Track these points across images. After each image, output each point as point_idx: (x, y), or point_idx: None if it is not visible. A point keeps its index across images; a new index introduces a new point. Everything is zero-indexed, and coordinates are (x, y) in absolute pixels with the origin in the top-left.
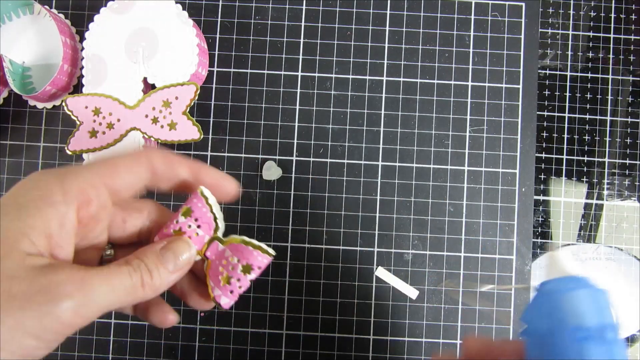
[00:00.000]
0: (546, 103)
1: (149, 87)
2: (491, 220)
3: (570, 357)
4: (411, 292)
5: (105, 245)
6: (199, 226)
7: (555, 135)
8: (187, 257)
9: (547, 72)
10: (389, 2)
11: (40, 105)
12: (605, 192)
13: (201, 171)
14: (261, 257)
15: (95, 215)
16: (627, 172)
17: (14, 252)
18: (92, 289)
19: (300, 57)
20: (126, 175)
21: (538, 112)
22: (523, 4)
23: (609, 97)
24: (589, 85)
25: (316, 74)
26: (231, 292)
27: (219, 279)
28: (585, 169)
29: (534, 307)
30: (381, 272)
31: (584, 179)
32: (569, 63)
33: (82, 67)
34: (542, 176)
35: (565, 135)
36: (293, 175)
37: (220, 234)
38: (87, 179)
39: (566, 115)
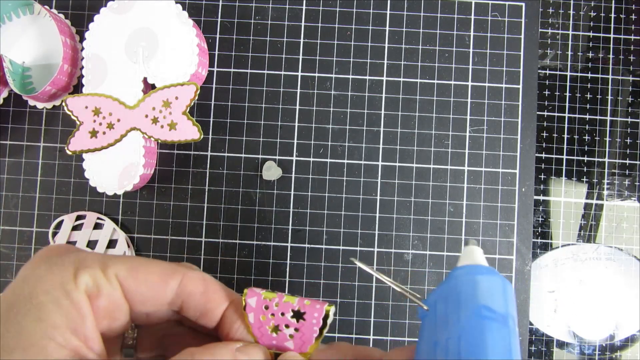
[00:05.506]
0: (546, 103)
1: (149, 87)
2: (491, 220)
3: (470, 332)
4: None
5: (128, 329)
6: (292, 335)
7: (555, 135)
8: None
9: (547, 72)
10: (389, 2)
11: (40, 105)
12: (605, 192)
13: (233, 326)
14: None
15: (108, 311)
16: (627, 172)
17: None
18: None
19: (300, 57)
20: (143, 286)
21: (538, 112)
22: (523, 4)
23: (609, 97)
24: (589, 85)
25: (316, 74)
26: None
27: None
28: (585, 169)
29: (442, 289)
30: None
31: (584, 179)
32: (569, 63)
33: (82, 67)
34: (542, 176)
35: (565, 135)
36: (293, 175)
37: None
38: (105, 268)
39: (566, 115)
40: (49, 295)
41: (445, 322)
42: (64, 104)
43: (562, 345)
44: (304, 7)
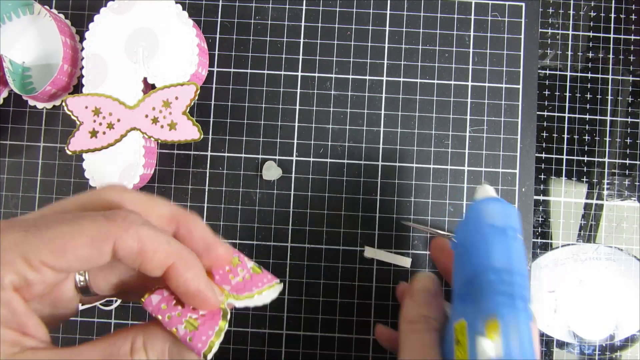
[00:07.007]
0: (546, 103)
1: (149, 87)
2: None
3: (476, 245)
4: (405, 261)
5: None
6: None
7: (555, 135)
8: None
9: (547, 72)
10: (389, 2)
11: (40, 105)
12: (605, 192)
13: (178, 282)
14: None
15: (48, 288)
16: (627, 172)
17: None
18: None
19: (300, 57)
20: (75, 263)
21: (538, 112)
22: (523, 4)
23: (609, 97)
24: (589, 85)
25: (316, 74)
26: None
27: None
28: (585, 169)
29: (463, 222)
30: (370, 252)
31: (584, 179)
32: (569, 63)
33: (82, 67)
34: (542, 176)
35: (565, 135)
36: (293, 175)
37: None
38: (27, 256)
39: (566, 115)
40: None
41: (463, 246)
42: (64, 104)
43: (562, 345)
44: (304, 7)
